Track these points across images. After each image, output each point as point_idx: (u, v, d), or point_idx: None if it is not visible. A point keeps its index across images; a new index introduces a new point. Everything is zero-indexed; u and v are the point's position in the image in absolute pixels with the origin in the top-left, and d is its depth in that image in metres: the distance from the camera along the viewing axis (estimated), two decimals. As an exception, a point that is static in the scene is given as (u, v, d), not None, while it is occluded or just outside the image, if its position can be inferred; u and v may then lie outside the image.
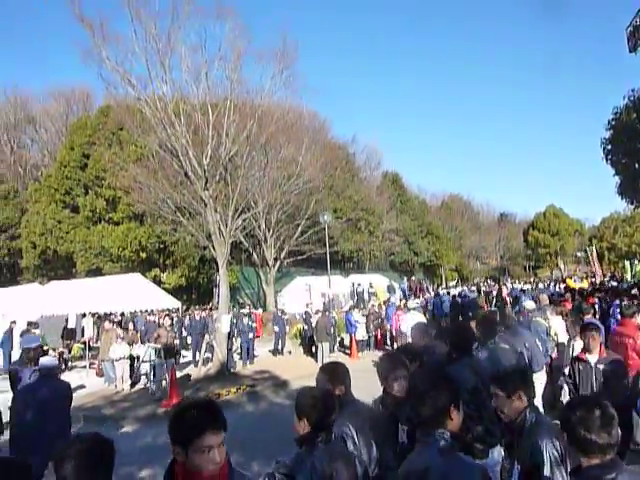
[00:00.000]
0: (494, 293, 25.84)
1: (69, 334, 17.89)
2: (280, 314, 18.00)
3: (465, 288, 32.91)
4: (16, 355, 14.23)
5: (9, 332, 16.04)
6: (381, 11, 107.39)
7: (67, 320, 17.42)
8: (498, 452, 3.65)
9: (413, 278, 38.98)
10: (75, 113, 47.73)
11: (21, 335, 13.35)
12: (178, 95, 14.15)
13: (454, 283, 47.61)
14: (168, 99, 13.59)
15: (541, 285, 31.83)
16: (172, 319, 18.99)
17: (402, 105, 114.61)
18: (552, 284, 31.12)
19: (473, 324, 5.83)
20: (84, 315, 17.93)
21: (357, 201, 41.00)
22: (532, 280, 41.26)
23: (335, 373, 3.19)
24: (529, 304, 9.56)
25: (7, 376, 9.51)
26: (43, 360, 5.66)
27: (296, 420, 2.61)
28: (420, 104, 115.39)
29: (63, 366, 14.73)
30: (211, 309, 22.76)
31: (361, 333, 17.30)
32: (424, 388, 2.51)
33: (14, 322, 16.28)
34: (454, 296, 22.57)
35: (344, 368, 3.27)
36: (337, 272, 33.57)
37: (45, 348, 11.22)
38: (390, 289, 27.01)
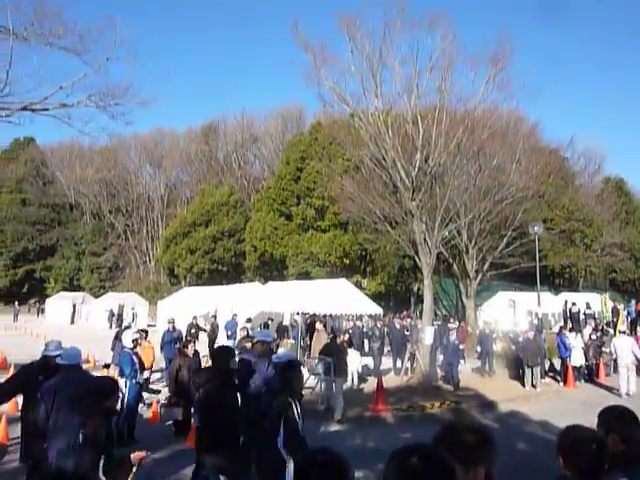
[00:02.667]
0: None
1: (283, 331, 19.73)
2: (487, 332, 16.86)
3: None
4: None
5: (234, 323, 18.39)
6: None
7: (283, 317, 19.22)
8: None
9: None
10: (290, 130, 53.04)
11: (253, 328, 14.98)
12: (389, 107, 14.58)
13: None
14: (379, 112, 14.07)
15: None
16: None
17: (629, 100, 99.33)
18: None
19: None
20: (299, 314, 19.45)
21: (572, 211, 36.94)
22: None
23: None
24: None
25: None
26: (280, 353, 6.20)
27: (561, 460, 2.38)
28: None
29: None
30: (410, 317, 22.82)
31: (578, 359, 15.35)
32: None
33: (236, 314, 18.61)
34: None
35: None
36: (545, 288, 30.66)
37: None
38: (614, 311, 23.56)
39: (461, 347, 15.86)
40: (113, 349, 13.41)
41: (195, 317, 18.11)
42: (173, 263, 43.38)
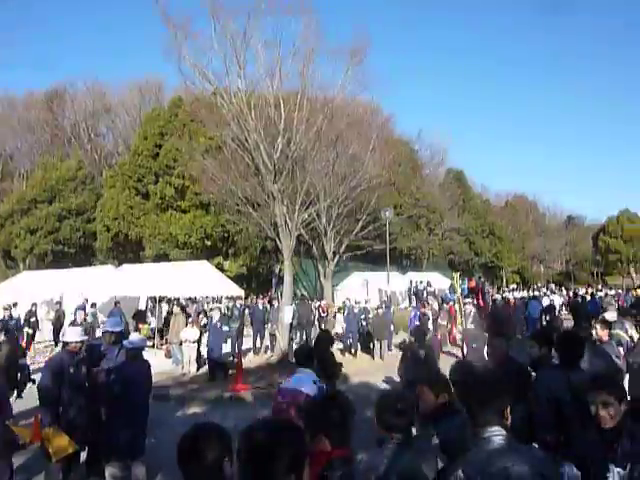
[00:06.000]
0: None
1: (140, 316, 18.84)
2: (356, 311, 17.18)
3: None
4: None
5: (82, 308, 17.12)
6: (442, 7, 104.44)
7: (139, 302, 18.35)
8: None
9: (481, 279, 37.89)
10: (148, 104, 49.87)
11: (108, 316, 14.10)
12: (252, 89, 14.54)
13: (514, 286, 46.06)
14: (242, 93, 13.97)
15: (612, 292, 30.17)
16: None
17: (468, 102, 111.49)
18: (624, 293, 29.44)
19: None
20: (160, 299, 18.70)
21: (418, 198, 40.49)
22: (600, 287, 39.12)
23: None
24: (610, 314, 9.12)
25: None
26: (133, 338, 5.99)
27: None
28: (487, 101, 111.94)
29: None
30: (270, 298, 23.24)
31: (427, 333, 17.03)
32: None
33: (86, 300, 17.36)
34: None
35: None
36: (394, 269, 33.35)
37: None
38: (451, 289, 26.52)
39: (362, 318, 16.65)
40: None
41: (35, 304, 16.49)
42: (9, 244, 38.46)
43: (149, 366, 5.98)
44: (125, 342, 6.00)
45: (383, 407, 2.63)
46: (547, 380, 4.09)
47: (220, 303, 17.32)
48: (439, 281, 30.56)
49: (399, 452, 2.42)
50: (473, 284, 29.76)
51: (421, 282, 28.03)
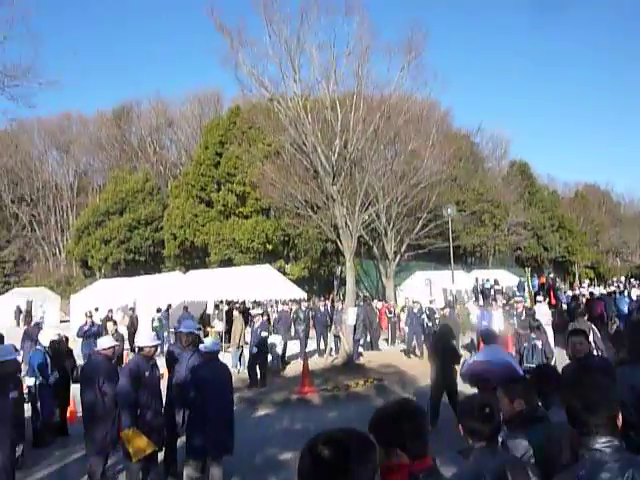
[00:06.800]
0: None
1: (207, 320, 19.44)
2: (415, 311, 16.83)
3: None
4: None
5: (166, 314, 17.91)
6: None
7: (206, 306, 18.92)
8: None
9: (551, 275, 36.14)
10: (207, 114, 51.51)
11: (179, 320, 14.61)
12: (307, 93, 14.60)
13: (588, 282, 43.50)
14: (298, 98, 14.07)
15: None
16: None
17: (530, 90, 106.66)
18: None
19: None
20: (228, 303, 19.13)
21: (481, 193, 39.22)
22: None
23: None
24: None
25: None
26: (207, 342, 6.14)
27: None
28: (549, 87, 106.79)
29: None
30: (333, 300, 23.27)
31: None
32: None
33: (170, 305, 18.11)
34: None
35: None
36: (459, 267, 32.49)
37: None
38: (520, 286, 25.48)
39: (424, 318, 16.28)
40: (22, 348, 12.56)
41: (111, 310, 17.36)
42: (86, 254, 40.97)
43: (226, 367, 6.13)
44: (200, 347, 6.18)
45: (467, 412, 2.49)
46: (629, 378, 3.76)
47: (284, 305, 17.47)
48: (507, 279, 29.42)
49: (483, 462, 2.28)
50: (543, 280, 28.46)
51: (487, 280, 27.08)
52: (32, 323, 18.55)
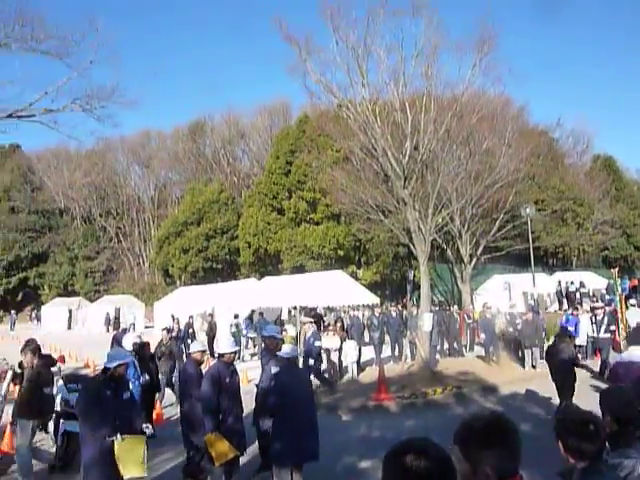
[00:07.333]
0: None
1: (282, 325, 19.76)
2: (489, 316, 16.24)
3: None
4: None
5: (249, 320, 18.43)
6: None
7: (281, 312, 19.23)
8: None
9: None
10: (277, 124, 52.71)
11: (262, 327, 14.95)
12: (376, 96, 14.50)
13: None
14: (367, 102, 14.00)
15: None
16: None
17: (615, 79, 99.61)
18: None
19: None
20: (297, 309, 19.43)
21: (562, 190, 37.08)
22: None
23: None
24: None
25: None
26: (286, 349, 6.20)
27: None
28: (635, 74, 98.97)
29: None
30: (405, 305, 22.84)
31: (582, 339, 15.34)
32: None
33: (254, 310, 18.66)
34: None
35: None
36: (539, 269, 30.87)
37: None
38: (610, 289, 23.75)
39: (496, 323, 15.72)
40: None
41: (191, 317, 18.08)
42: (167, 263, 43.20)
43: (305, 372, 6.19)
44: (279, 353, 6.25)
45: (567, 428, 2.29)
46: None
47: (355, 311, 17.38)
48: (593, 281, 27.54)
49: None
50: (636, 282, 26.33)
51: (572, 283, 25.50)
52: (120, 329, 19.73)
